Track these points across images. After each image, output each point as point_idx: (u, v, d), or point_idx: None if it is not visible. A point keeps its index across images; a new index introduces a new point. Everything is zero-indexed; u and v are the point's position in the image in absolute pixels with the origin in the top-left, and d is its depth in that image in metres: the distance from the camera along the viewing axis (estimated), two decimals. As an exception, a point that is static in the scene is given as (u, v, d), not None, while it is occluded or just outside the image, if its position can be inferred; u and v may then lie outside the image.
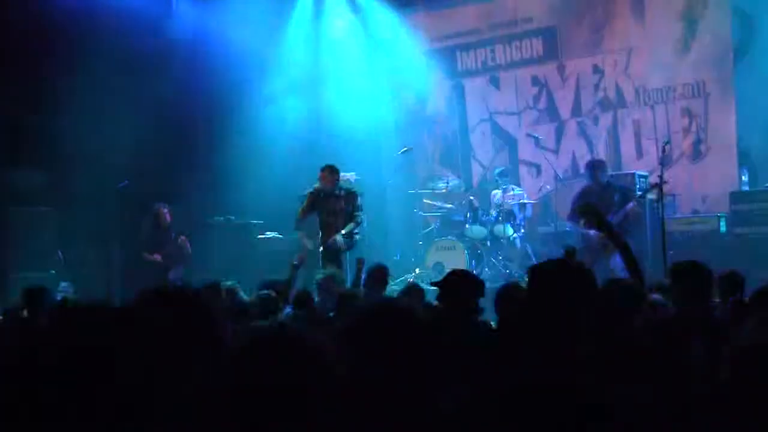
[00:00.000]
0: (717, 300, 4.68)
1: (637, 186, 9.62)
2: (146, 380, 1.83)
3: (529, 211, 10.60)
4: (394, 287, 10.25)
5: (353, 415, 1.63)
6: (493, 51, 12.14)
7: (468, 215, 10.50)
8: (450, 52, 12.50)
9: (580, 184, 9.35)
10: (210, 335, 2.00)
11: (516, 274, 9.84)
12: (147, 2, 10.59)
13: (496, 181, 10.81)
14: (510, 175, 11.04)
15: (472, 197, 10.77)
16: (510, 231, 10.26)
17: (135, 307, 1.97)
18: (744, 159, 10.05)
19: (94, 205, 9.41)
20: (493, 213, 10.40)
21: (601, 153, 11.10)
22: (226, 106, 11.21)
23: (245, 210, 11.13)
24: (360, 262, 6.70)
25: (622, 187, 8.82)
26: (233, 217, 11.11)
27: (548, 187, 10.95)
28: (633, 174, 9.92)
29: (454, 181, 11.33)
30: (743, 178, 9.99)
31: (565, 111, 11.52)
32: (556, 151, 11.50)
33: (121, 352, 1.79)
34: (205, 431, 1.71)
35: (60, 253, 9.71)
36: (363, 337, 1.95)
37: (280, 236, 10.87)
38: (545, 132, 11.54)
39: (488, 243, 10.37)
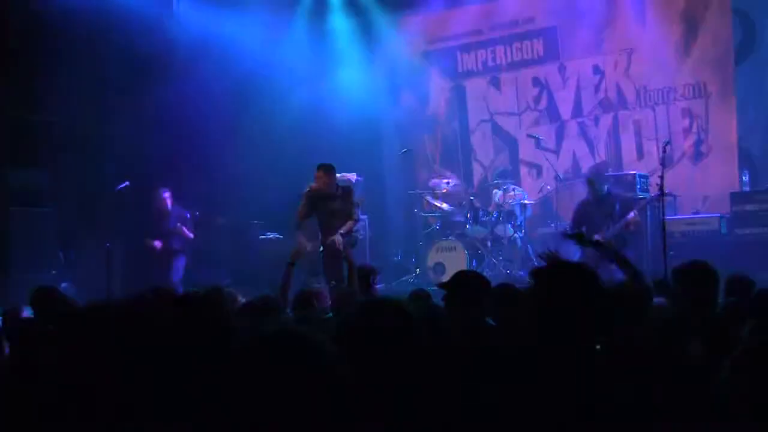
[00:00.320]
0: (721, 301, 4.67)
1: (638, 186, 9.62)
2: (149, 381, 1.83)
3: (529, 212, 10.60)
4: (394, 287, 10.30)
5: (354, 415, 1.63)
6: (493, 52, 12.14)
7: (468, 216, 10.50)
8: (450, 53, 12.50)
9: (581, 183, 9.32)
10: (215, 338, 2.00)
11: (516, 275, 9.85)
12: (148, 2, 10.59)
13: (497, 182, 10.81)
14: (510, 176, 11.04)
15: (472, 197, 10.77)
16: (510, 231, 10.26)
17: (138, 309, 1.97)
18: (745, 160, 10.05)
19: (95, 206, 9.41)
20: (494, 213, 10.40)
21: (602, 154, 11.11)
22: (226, 106, 11.20)
23: (246, 210, 11.14)
24: (350, 261, 6.64)
25: (623, 197, 8.72)
26: (234, 218, 11.11)
27: (549, 187, 10.95)
28: (633, 174, 9.91)
29: (454, 182, 11.33)
30: (744, 178, 9.99)
31: (565, 112, 11.52)
32: (556, 152, 11.50)
33: (126, 352, 1.79)
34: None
35: (61, 254, 9.71)
36: (355, 337, 1.95)
37: (281, 237, 10.87)
38: (546, 133, 11.54)
39: (489, 243, 10.37)
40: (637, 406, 1.66)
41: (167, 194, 9.73)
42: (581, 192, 9.27)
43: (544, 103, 11.71)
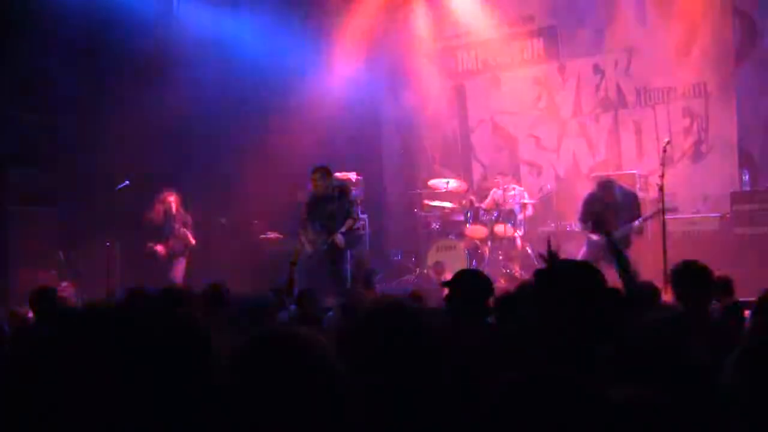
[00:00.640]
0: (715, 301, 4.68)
1: (638, 186, 9.61)
2: (148, 381, 1.83)
3: (529, 211, 10.60)
4: (394, 286, 10.31)
5: (355, 416, 1.63)
6: (494, 51, 12.13)
7: (468, 215, 10.50)
8: (451, 52, 12.50)
9: (582, 186, 9.31)
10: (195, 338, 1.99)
11: (516, 274, 9.85)
12: (149, 1, 10.59)
13: (497, 181, 10.82)
14: (511, 175, 11.04)
15: (472, 197, 10.77)
16: (510, 231, 10.26)
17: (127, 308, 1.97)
18: (745, 159, 10.05)
19: (95, 205, 9.40)
20: (494, 212, 10.40)
21: (602, 153, 11.11)
22: (226, 105, 11.20)
23: (246, 210, 11.13)
24: (362, 263, 6.69)
25: (631, 200, 8.63)
26: (234, 217, 11.11)
27: (549, 186, 10.95)
28: (633, 174, 9.91)
29: (454, 181, 11.33)
30: (744, 178, 9.99)
31: (565, 111, 11.52)
32: (556, 151, 11.50)
33: (125, 353, 1.79)
34: None
35: (61, 253, 9.71)
36: (366, 340, 1.94)
37: (282, 236, 10.88)
38: (546, 132, 11.53)
39: (489, 243, 10.37)
40: (641, 406, 1.66)
41: (172, 197, 9.73)
42: (581, 191, 9.26)
43: (544, 102, 11.71)
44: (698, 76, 10.35)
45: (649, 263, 7.53)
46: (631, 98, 10.93)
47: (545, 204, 10.93)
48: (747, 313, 4.16)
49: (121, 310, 2.01)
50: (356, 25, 12.50)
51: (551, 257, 2.49)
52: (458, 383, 2.05)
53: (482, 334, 3.26)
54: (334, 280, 8.22)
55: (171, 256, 9.67)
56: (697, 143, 10.42)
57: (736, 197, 9.45)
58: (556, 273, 2.50)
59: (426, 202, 11.23)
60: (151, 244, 9.64)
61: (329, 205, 8.40)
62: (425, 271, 10.42)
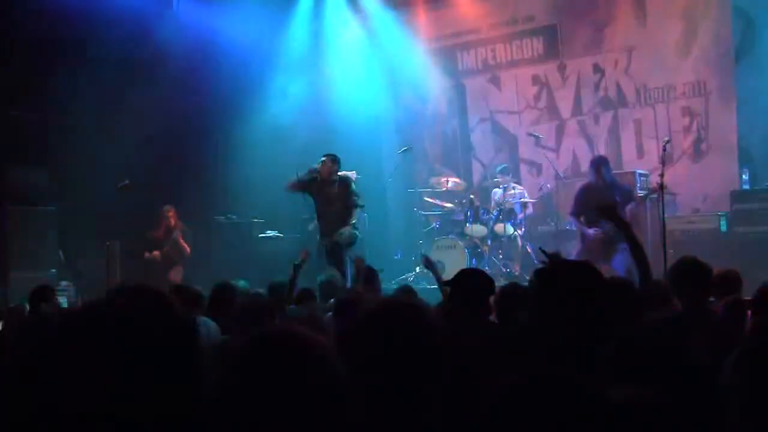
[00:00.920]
0: (713, 299, 4.67)
1: (638, 185, 9.62)
2: (148, 380, 1.83)
3: (529, 210, 10.61)
4: (394, 285, 10.29)
5: (355, 416, 1.62)
6: (493, 50, 12.13)
7: (468, 214, 10.50)
8: (450, 51, 12.50)
9: (581, 182, 9.32)
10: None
11: (516, 273, 9.85)
12: (148, 1, 10.59)
13: (496, 179, 10.81)
14: (511, 174, 11.04)
15: (472, 196, 10.77)
16: (510, 230, 10.26)
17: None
18: (745, 158, 10.04)
19: (95, 205, 9.40)
20: (494, 212, 10.40)
21: (602, 152, 11.09)
22: (226, 105, 11.21)
23: (246, 209, 11.13)
24: (359, 261, 6.69)
25: (624, 187, 8.76)
26: (234, 216, 11.11)
27: (549, 186, 10.95)
28: (633, 173, 9.91)
29: (454, 180, 11.33)
30: (744, 177, 9.98)
31: (565, 110, 11.51)
32: (556, 150, 11.50)
33: (124, 352, 1.78)
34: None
35: (61, 253, 9.71)
36: (366, 339, 1.94)
37: (281, 235, 10.88)
38: (546, 131, 11.53)
39: (489, 242, 10.37)
40: (644, 406, 1.66)
41: (171, 212, 9.92)
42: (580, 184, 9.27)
43: (544, 101, 11.71)
44: (698, 75, 10.35)
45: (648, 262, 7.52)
46: (630, 97, 10.92)
47: (545, 203, 10.93)
48: (749, 312, 4.16)
49: (117, 310, 2.00)
50: (356, 23, 12.50)
51: (551, 258, 2.49)
52: (459, 383, 2.05)
53: (483, 334, 3.25)
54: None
55: (167, 263, 9.85)
56: (697, 142, 10.41)
57: (735, 196, 9.45)
58: (554, 273, 2.50)
59: (426, 200, 11.23)
60: (147, 253, 9.83)
61: (329, 188, 8.57)
62: (425, 270, 10.40)
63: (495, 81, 12.19)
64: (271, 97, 11.44)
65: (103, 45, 9.76)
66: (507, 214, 10.29)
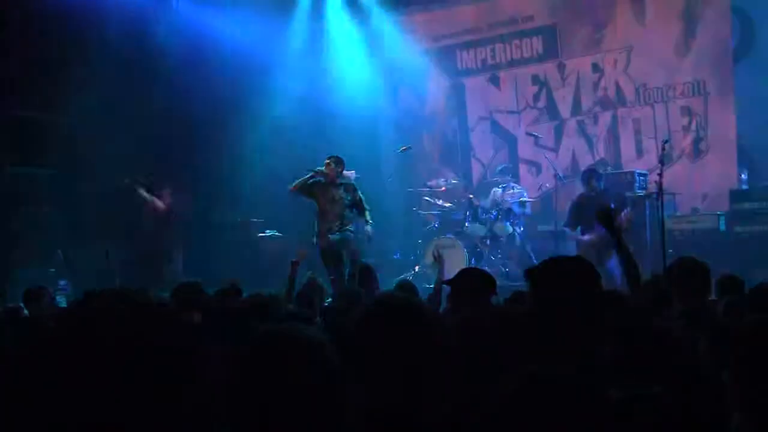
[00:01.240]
0: (714, 298, 4.68)
1: (637, 185, 9.62)
2: (148, 379, 1.82)
3: (528, 210, 10.61)
4: (393, 285, 10.28)
5: (356, 417, 1.62)
6: (493, 50, 12.13)
7: (467, 214, 10.50)
8: (450, 51, 12.50)
9: (581, 185, 9.33)
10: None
11: (515, 273, 9.85)
12: (149, 3, 10.59)
13: (496, 180, 10.82)
14: (510, 173, 11.04)
15: (471, 195, 10.77)
16: (509, 229, 10.26)
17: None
18: (743, 157, 10.05)
19: (95, 204, 9.40)
20: (493, 211, 10.40)
21: (601, 152, 11.11)
22: (226, 104, 11.19)
23: (245, 208, 11.13)
24: (356, 261, 6.68)
25: (617, 194, 8.79)
26: (233, 216, 11.11)
27: (548, 185, 10.94)
28: (632, 172, 9.92)
29: (453, 180, 11.32)
30: (743, 176, 9.99)
31: (564, 110, 11.52)
32: (555, 150, 11.50)
33: (123, 351, 1.78)
34: None
35: (60, 252, 9.71)
36: (368, 338, 1.94)
37: (280, 234, 10.88)
38: (545, 131, 11.54)
39: (488, 241, 10.37)
40: (647, 406, 1.66)
41: (168, 193, 9.81)
42: (580, 189, 9.30)
43: (543, 101, 11.71)
44: (697, 74, 10.36)
45: (647, 263, 7.54)
46: (630, 97, 10.93)
47: (544, 203, 10.93)
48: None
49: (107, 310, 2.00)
50: (355, 22, 12.49)
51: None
52: (460, 383, 2.05)
53: (484, 333, 3.25)
54: (334, 277, 8.25)
55: (160, 255, 9.72)
56: (696, 142, 10.42)
57: (734, 195, 9.46)
58: (547, 271, 2.50)
59: (425, 200, 11.23)
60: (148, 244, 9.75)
61: (334, 190, 8.61)
62: (424, 270, 10.41)
63: (494, 80, 12.19)
64: (271, 96, 11.42)
65: (103, 44, 9.75)
66: (506, 214, 10.29)
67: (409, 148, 11.16)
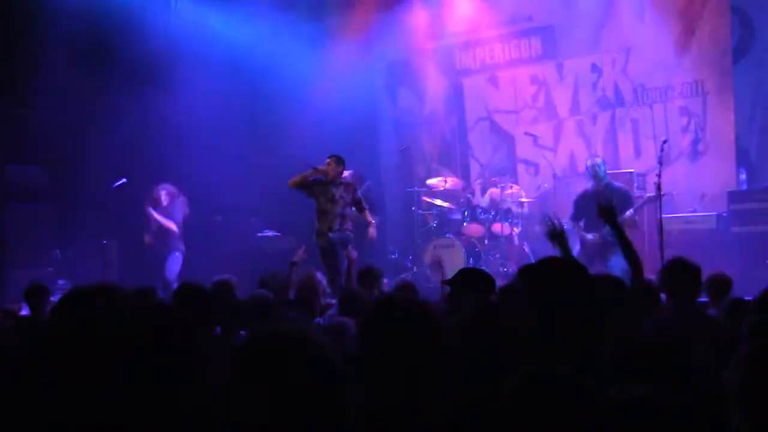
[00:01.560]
0: (706, 299, 4.70)
1: (635, 185, 9.62)
2: (147, 379, 1.82)
3: (527, 210, 10.61)
4: (391, 285, 10.29)
5: (356, 417, 1.62)
6: (491, 49, 12.13)
7: (466, 213, 10.51)
8: (449, 51, 12.50)
9: (579, 182, 9.32)
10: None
11: (513, 273, 9.85)
12: (147, 2, 10.58)
13: (494, 179, 10.83)
14: (509, 173, 11.04)
15: (470, 195, 10.77)
16: (508, 229, 10.27)
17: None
18: (742, 158, 10.05)
19: (92, 203, 9.40)
20: (491, 211, 10.41)
21: (600, 152, 11.10)
22: (223, 103, 11.20)
23: (243, 208, 11.13)
24: (351, 259, 6.67)
25: (621, 193, 8.67)
26: (231, 216, 11.11)
27: (546, 185, 10.95)
28: (631, 173, 9.92)
29: (452, 180, 11.32)
30: (741, 176, 10.00)
31: (563, 110, 11.52)
32: (554, 150, 11.51)
33: (124, 350, 1.78)
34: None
35: (57, 251, 9.70)
36: (370, 338, 1.93)
37: (279, 234, 10.87)
38: (543, 131, 11.54)
39: (486, 241, 10.38)
40: (646, 405, 1.66)
41: (164, 191, 9.68)
42: (579, 190, 9.28)
43: (541, 101, 11.71)
44: (696, 74, 10.36)
45: (646, 263, 7.53)
46: (628, 97, 10.93)
47: (543, 203, 10.93)
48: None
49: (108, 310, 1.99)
50: (354, 23, 12.49)
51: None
52: (461, 383, 2.05)
53: (485, 333, 3.25)
54: (333, 276, 8.25)
55: (161, 251, 9.64)
56: (695, 142, 10.42)
57: (733, 196, 9.46)
58: (539, 271, 2.50)
59: (424, 200, 11.23)
60: (147, 237, 9.64)
61: (334, 188, 8.62)
62: (423, 270, 10.42)
63: (493, 80, 12.19)
64: (270, 96, 11.43)
65: (102, 44, 9.75)
66: (504, 214, 10.29)
67: (408, 148, 11.19)
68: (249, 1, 11.18)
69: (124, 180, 9.27)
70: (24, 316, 5.64)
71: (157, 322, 1.94)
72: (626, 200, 8.47)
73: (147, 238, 9.55)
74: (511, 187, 10.67)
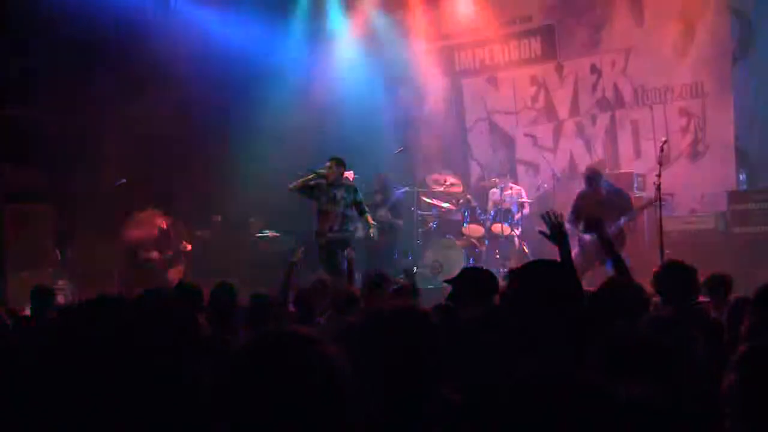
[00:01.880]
0: (707, 299, 4.70)
1: (635, 186, 9.62)
2: (147, 379, 1.83)
3: (526, 210, 10.61)
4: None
5: (357, 417, 1.63)
6: (491, 50, 12.13)
7: (465, 214, 10.51)
8: (448, 51, 12.50)
9: (579, 186, 9.31)
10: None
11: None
12: (147, 4, 10.59)
13: (494, 179, 10.83)
14: (508, 174, 11.05)
15: (469, 196, 10.78)
16: (507, 230, 10.27)
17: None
18: (742, 159, 10.06)
19: (93, 204, 9.40)
20: (491, 212, 10.41)
21: (599, 153, 11.11)
22: (224, 104, 11.20)
23: (243, 208, 11.13)
24: (351, 259, 6.66)
25: (621, 199, 8.63)
26: (231, 216, 11.11)
27: (546, 186, 10.95)
28: (630, 174, 9.92)
29: (452, 180, 11.33)
30: (741, 177, 10.00)
31: (563, 111, 11.52)
32: (554, 151, 11.51)
33: (123, 350, 1.79)
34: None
35: (58, 252, 9.71)
36: (371, 341, 1.94)
37: (278, 234, 10.88)
38: (543, 131, 11.54)
39: (486, 242, 10.38)
40: (643, 405, 1.67)
41: (160, 218, 9.92)
42: (578, 190, 9.26)
43: (541, 101, 11.71)
44: (695, 75, 10.36)
45: (645, 263, 7.54)
46: (628, 98, 10.93)
47: (542, 203, 10.92)
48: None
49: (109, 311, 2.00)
50: (354, 23, 12.49)
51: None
52: (461, 382, 2.05)
53: (485, 333, 3.25)
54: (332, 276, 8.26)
55: (167, 264, 9.81)
56: (694, 143, 10.43)
57: (732, 197, 9.47)
58: (528, 273, 2.51)
59: (424, 200, 11.23)
60: (145, 252, 9.75)
61: (334, 191, 8.64)
62: (423, 270, 10.41)
63: (492, 81, 12.19)
64: (270, 96, 11.42)
65: (101, 44, 9.75)
66: (504, 214, 10.29)
67: (405, 149, 11.19)
68: (249, 1, 11.19)
69: (124, 180, 9.29)
70: (25, 316, 5.65)
71: (155, 325, 1.95)
72: (625, 207, 8.38)
73: (155, 254, 9.77)
74: (511, 187, 10.67)
